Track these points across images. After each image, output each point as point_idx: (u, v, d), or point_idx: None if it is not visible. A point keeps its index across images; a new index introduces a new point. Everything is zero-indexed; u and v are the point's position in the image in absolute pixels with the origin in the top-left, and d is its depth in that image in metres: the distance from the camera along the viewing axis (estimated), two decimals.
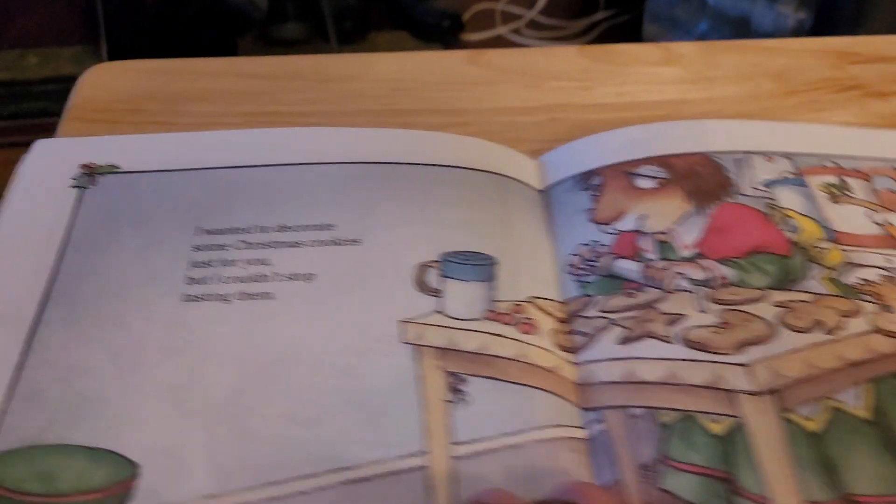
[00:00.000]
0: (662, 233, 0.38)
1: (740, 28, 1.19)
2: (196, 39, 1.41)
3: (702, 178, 0.40)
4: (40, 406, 0.32)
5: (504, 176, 0.41)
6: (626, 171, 0.40)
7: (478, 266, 0.36)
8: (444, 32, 1.57)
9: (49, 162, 0.41)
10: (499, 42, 1.61)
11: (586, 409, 0.33)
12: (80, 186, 0.40)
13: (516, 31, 1.62)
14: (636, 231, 0.38)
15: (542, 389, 0.33)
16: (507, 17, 1.63)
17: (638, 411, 0.32)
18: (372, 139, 0.42)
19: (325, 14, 1.43)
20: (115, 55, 1.41)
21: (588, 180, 0.41)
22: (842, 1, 1.03)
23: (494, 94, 0.47)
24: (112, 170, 0.41)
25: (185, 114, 0.45)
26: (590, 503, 0.26)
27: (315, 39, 1.55)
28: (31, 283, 0.36)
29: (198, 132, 0.43)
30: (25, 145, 0.42)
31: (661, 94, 0.48)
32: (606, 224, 0.39)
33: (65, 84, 0.50)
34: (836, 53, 0.50)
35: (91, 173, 0.41)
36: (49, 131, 0.45)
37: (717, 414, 0.31)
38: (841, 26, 1.08)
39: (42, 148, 0.42)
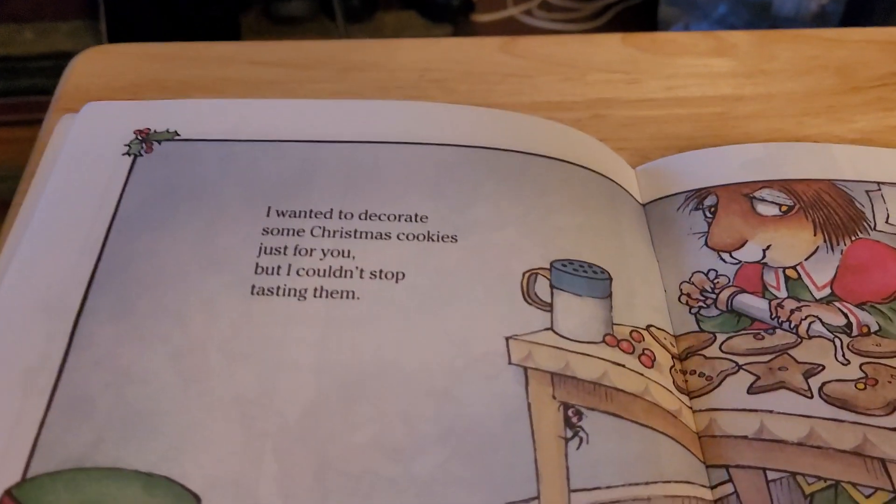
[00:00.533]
0: (791, 268, 0.34)
1: (760, 12, 1.16)
2: (198, 15, 1.34)
3: (831, 209, 0.36)
4: (87, 418, 0.27)
5: (614, 182, 0.36)
6: (744, 193, 0.36)
7: (593, 280, 0.32)
8: (453, 13, 1.52)
9: (99, 126, 0.36)
10: (510, 23, 1.56)
11: (712, 466, 0.28)
12: (132, 153, 0.35)
13: (528, 13, 1.58)
14: (761, 263, 0.34)
15: (667, 435, 0.28)
16: None
17: (775, 475, 0.28)
18: (475, 119, 0.37)
19: None
20: (114, 30, 1.35)
21: (701, 199, 0.36)
22: None
23: (531, 86, 0.43)
24: (170, 136, 0.35)
25: None
26: None
27: (320, 17, 1.49)
28: (77, 264, 0.31)
29: (271, 100, 0.37)
30: (20, 123, 0.37)
31: (714, 88, 0.44)
32: (725, 251, 0.34)
33: (61, 60, 0.45)
34: None
35: (147, 139, 0.35)
36: (45, 110, 0.39)
37: (869, 486, 0.27)
38: (877, 14, 1.05)
39: (92, 111, 0.36)
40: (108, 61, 0.42)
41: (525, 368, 0.29)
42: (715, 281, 0.33)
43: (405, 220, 0.33)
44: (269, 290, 0.30)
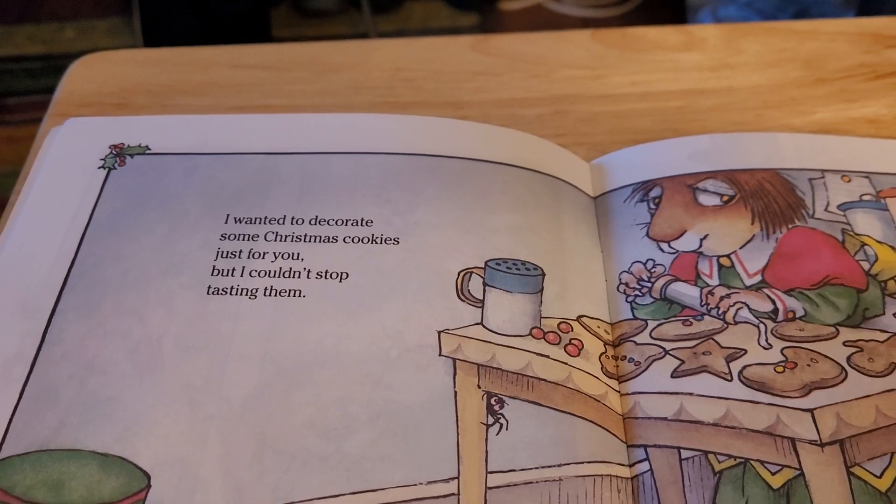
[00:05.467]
0: (725, 256, 0.35)
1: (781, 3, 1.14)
2: (229, 10, 1.39)
3: (771, 198, 0.37)
4: (53, 406, 0.30)
5: (557, 178, 0.38)
6: (688, 184, 0.38)
7: (524, 276, 0.33)
8: (480, 1, 1.52)
9: (79, 140, 0.39)
10: (537, 11, 1.57)
11: (632, 446, 0.30)
12: (107, 167, 0.38)
13: (556, 0, 1.58)
14: (696, 252, 0.35)
15: (587, 420, 0.30)
16: None
17: (689, 453, 0.29)
18: (417, 128, 0.39)
19: None
20: (147, 26, 1.40)
21: (647, 191, 0.38)
22: None
23: (498, 84, 0.44)
24: (142, 150, 0.39)
25: (174, 107, 0.43)
26: None
27: (349, 10, 1.52)
28: (52, 268, 0.34)
29: (233, 115, 0.40)
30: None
31: (677, 83, 0.45)
32: (664, 241, 0.36)
33: None
34: (873, 36, 0.46)
35: (120, 154, 0.38)
36: None
37: (776, 464, 0.29)
38: (889, 3, 1.03)
39: (73, 125, 0.40)
40: (102, 67, 0.45)
41: (454, 360, 0.31)
42: (652, 270, 0.35)
43: (352, 225, 0.35)
44: (223, 290, 0.33)
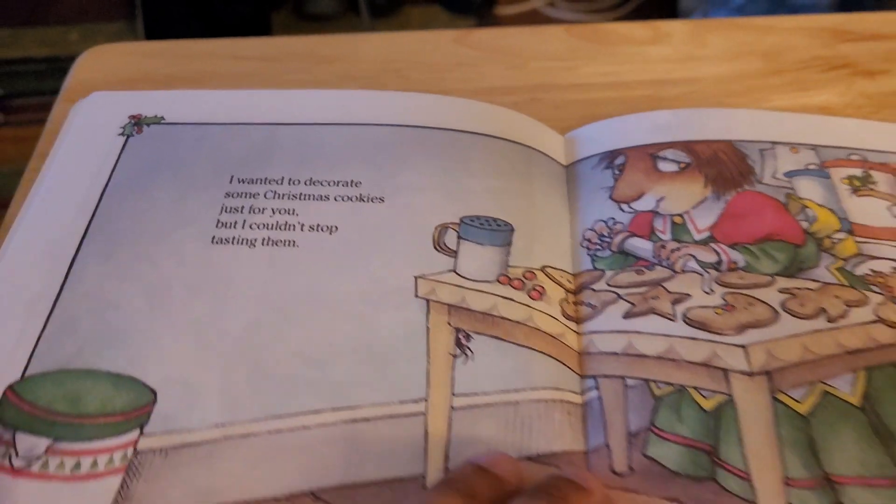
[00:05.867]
0: (678, 215, 0.39)
1: (777, 1, 1.17)
2: (231, 15, 1.44)
3: (723, 166, 0.40)
4: (73, 334, 0.34)
5: (532, 149, 0.42)
6: (650, 153, 0.41)
7: (494, 231, 0.37)
8: (477, 6, 1.56)
9: (102, 111, 0.44)
10: (533, 16, 1.60)
11: (585, 377, 0.34)
12: (126, 134, 0.42)
13: (551, 5, 1.61)
14: (653, 212, 0.39)
15: (544, 353, 0.34)
16: None
17: (633, 382, 0.33)
18: (405, 103, 0.43)
19: None
20: (151, 30, 1.45)
21: (612, 160, 0.42)
22: None
23: (478, 74, 0.48)
24: (157, 120, 0.43)
25: None
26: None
27: (348, 14, 1.56)
28: (75, 219, 0.38)
29: (240, 90, 0.45)
30: None
31: (644, 73, 0.48)
32: (625, 203, 0.40)
33: None
34: (829, 32, 0.50)
35: (138, 123, 0.43)
36: None
37: (709, 390, 0.32)
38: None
39: (96, 98, 0.44)
40: (109, 58, 0.49)
41: (428, 301, 0.35)
42: (612, 227, 0.39)
43: (342, 185, 0.39)
44: (226, 239, 0.37)
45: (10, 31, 1.53)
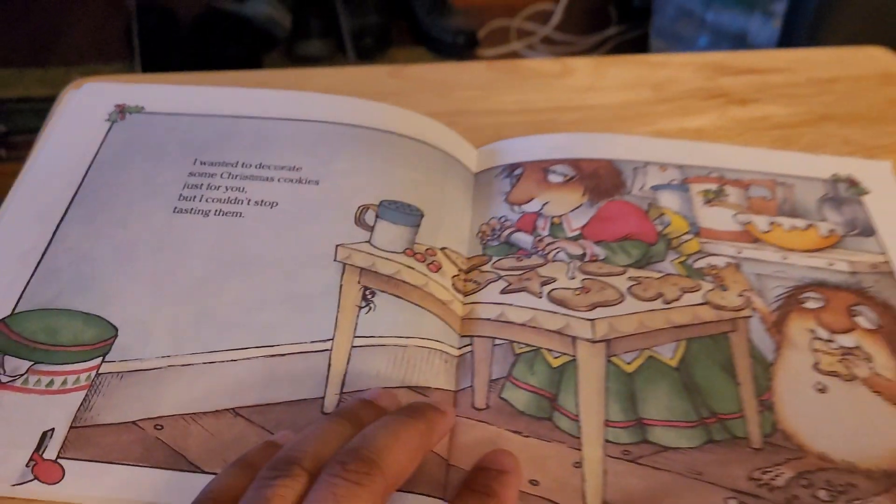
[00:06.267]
0: (558, 217, 0.47)
1: (738, 41, 1.27)
2: (224, 56, 1.51)
3: (601, 180, 0.49)
4: (54, 281, 0.42)
5: (449, 155, 0.50)
6: (543, 167, 0.50)
7: (407, 214, 0.46)
8: (459, 48, 1.65)
9: (91, 99, 0.52)
10: (513, 57, 1.70)
11: (463, 336, 0.42)
12: (111, 120, 0.51)
13: (530, 47, 1.71)
14: (538, 213, 0.47)
15: (433, 313, 0.42)
16: (522, 34, 1.72)
17: (500, 342, 0.41)
18: (347, 105, 0.51)
19: (342, 32, 1.52)
20: (148, 71, 1.52)
21: (512, 170, 0.50)
22: (801, 17, 1.11)
23: (408, 102, 0.54)
24: (138, 110, 0.51)
25: None
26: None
27: (336, 56, 1.64)
28: (64, 189, 0.46)
29: (208, 87, 0.53)
30: None
31: (549, 101, 0.56)
32: (517, 205, 0.48)
33: None
34: (712, 67, 0.59)
35: (122, 111, 0.51)
36: None
37: (559, 352, 0.41)
38: (798, 39, 1.15)
39: (88, 88, 0.53)
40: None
41: (344, 264, 0.43)
42: (503, 223, 0.47)
43: (286, 170, 0.48)
44: (185, 210, 0.46)
45: (14, 72, 1.59)
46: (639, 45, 1.63)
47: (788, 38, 1.13)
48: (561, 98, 0.57)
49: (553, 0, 1.76)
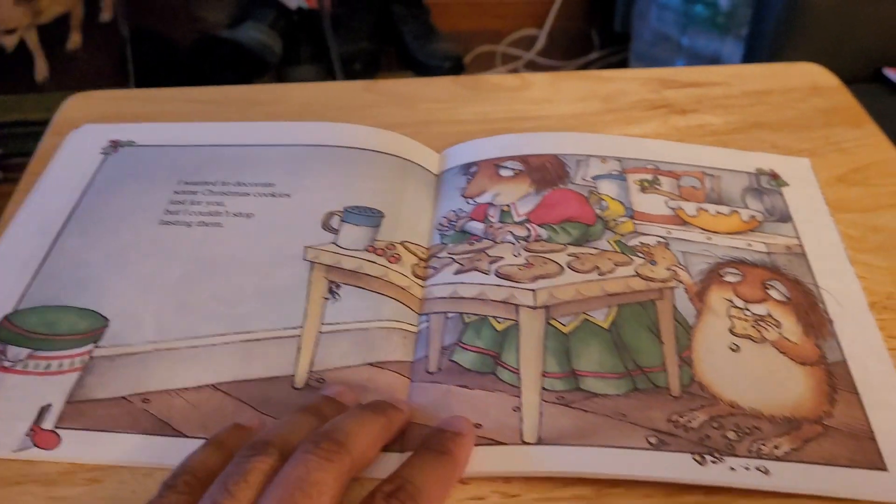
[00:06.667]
0: (506, 205, 0.52)
1: (712, 64, 1.33)
2: (217, 82, 1.59)
3: (547, 172, 0.54)
4: (53, 283, 0.48)
5: (409, 161, 0.55)
6: (495, 163, 0.55)
7: (368, 216, 0.51)
8: (445, 73, 1.72)
9: (87, 137, 0.58)
10: None
11: (420, 314, 0.46)
12: (106, 153, 0.57)
13: (514, 71, 1.78)
14: (489, 203, 0.52)
15: (393, 298, 0.47)
16: (507, 59, 1.79)
17: (452, 315, 0.46)
18: (312, 129, 0.57)
19: (332, 58, 1.60)
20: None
21: (468, 168, 0.55)
22: (761, 40, 1.15)
23: (379, 114, 0.60)
24: (130, 144, 0.57)
25: None
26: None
27: (327, 80, 1.72)
28: (63, 208, 0.52)
29: (193, 122, 0.59)
30: None
31: (508, 112, 0.61)
32: (471, 198, 0.53)
33: None
34: (657, 81, 0.64)
35: (115, 145, 0.57)
36: None
37: (503, 318, 0.45)
38: (760, 60, 1.20)
39: (86, 128, 0.59)
40: (89, 102, 0.63)
41: (312, 263, 0.48)
42: (459, 215, 0.52)
43: (261, 186, 0.53)
44: (171, 222, 0.51)
45: (13, 97, 1.66)
46: (620, 68, 1.69)
47: (752, 59, 1.18)
48: (519, 109, 0.62)
49: (537, 26, 1.84)
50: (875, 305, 0.46)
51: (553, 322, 0.45)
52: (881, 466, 0.38)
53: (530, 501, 0.38)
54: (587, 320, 0.45)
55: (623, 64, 1.63)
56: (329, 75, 1.72)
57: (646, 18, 1.56)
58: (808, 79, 0.64)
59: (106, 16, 1.67)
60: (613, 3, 1.74)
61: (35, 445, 0.40)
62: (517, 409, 0.41)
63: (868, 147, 0.57)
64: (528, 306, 0.45)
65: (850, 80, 0.66)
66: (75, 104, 0.63)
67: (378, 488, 0.35)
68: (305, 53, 1.71)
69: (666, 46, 1.47)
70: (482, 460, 0.39)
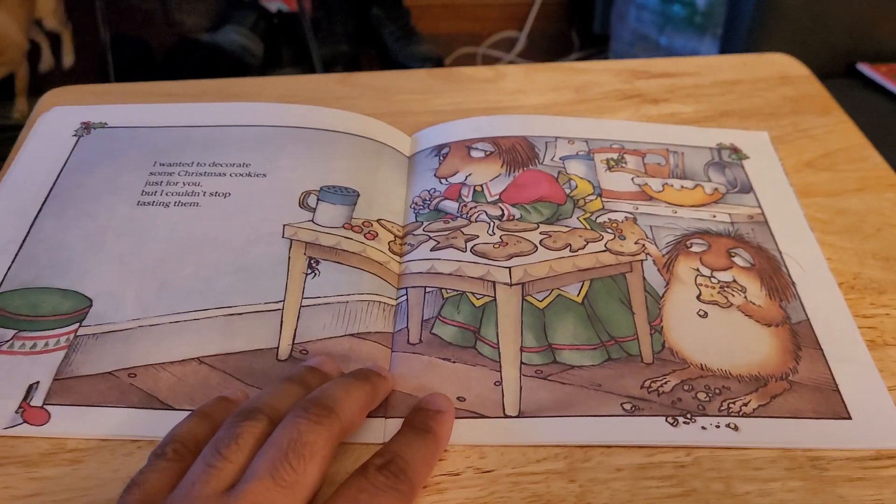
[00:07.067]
0: (479, 185, 0.54)
1: None
2: None
3: (517, 153, 0.56)
4: (33, 265, 0.48)
5: (382, 143, 0.57)
6: (467, 145, 0.56)
7: (343, 195, 0.52)
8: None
9: (59, 119, 0.58)
10: None
11: (399, 289, 0.48)
12: (78, 135, 0.57)
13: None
14: (462, 184, 0.54)
15: (371, 273, 0.48)
16: (488, 60, 1.81)
17: (431, 289, 0.47)
18: (286, 111, 0.58)
19: (313, 61, 1.61)
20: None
21: (440, 150, 0.56)
22: (736, 38, 1.19)
23: (354, 105, 0.60)
24: (102, 125, 0.57)
25: None
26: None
27: None
28: (38, 190, 0.52)
29: (163, 104, 0.59)
30: None
31: (482, 103, 0.62)
32: (444, 178, 0.54)
33: None
34: (629, 72, 0.66)
35: (87, 127, 0.57)
36: None
37: (481, 294, 0.47)
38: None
39: (56, 111, 0.59)
40: (67, 96, 0.62)
41: (291, 240, 0.49)
42: (432, 194, 0.53)
43: (236, 166, 0.54)
44: (148, 203, 0.51)
45: None
46: None
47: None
48: (492, 100, 0.63)
49: (517, 28, 1.86)
50: (842, 285, 0.48)
51: (529, 298, 0.46)
52: (846, 416, 0.41)
53: (504, 476, 0.39)
54: (561, 295, 0.47)
55: None
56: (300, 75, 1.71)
57: (624, 19, 1.59)
58: (777, 68, 0.67)
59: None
60: (592, 5, 1.77)
61: (25, 422, 0.40)
62: (498, 383, 0.43)
63: (835, 133, 0.60)
64: (505, 283, 0.47)
65: (824, 75, 0.69)
66: (52, 99, 0.62)
67: (370, 461, 0.36)
68: (286, 56, 1.71)
69: (645, 46, 1.50)
70: (467, 433, 0.40)
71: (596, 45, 1.79)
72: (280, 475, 0.33)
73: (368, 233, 0.50)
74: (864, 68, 1.18)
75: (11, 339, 0.44)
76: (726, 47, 1.22)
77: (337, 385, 0.39)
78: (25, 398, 0.41)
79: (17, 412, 0.41)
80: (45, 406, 0.41)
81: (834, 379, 0.43)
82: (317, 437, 0.35)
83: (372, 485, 0.35)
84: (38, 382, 0.42)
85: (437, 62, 1.75)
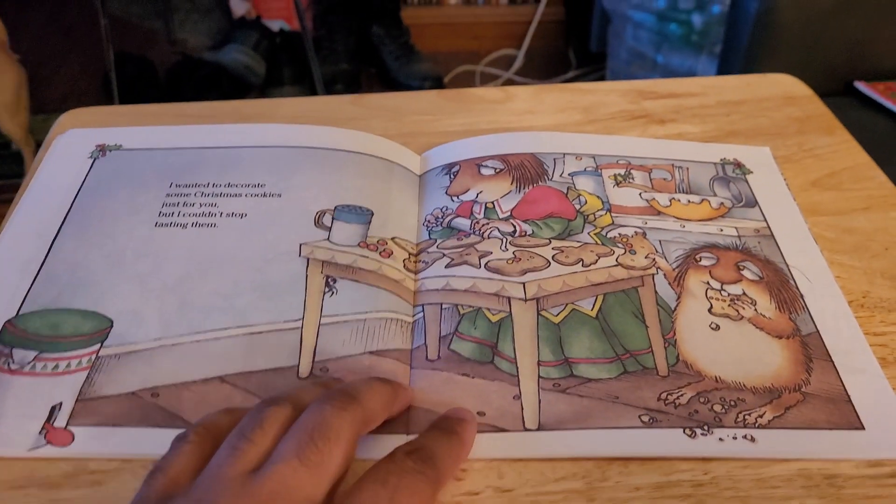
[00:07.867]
0: (490, 202, 0.54)
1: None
2: (201, 100, 1.60)
3: (526, 170, 0.56)
4: (53, 285, 0.48)
5: (393, 162, 0.57)
6: (476, 163, 0.57)
7: (358, 214, 0.53)
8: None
9: (75, 141, 0.59)
10: None
11: (415, 306, 0.49)
12: (93, 157, 0.57)
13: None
14: (473, 201, 0.55)
15: (388, 290, 0.49)
16: (486, 78, 1.83)
17: (447, 306, 0.48)
18: (300, 132, 0.59)
19: (314, 79, 1.62)
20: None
21: (450, 168, 0.57)
22: (735, 56, 1.21)
23: (366, 126, 0.61)
24: (117, 147, 0.58)
25: None
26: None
27: None
28: (57, 211, 0.53)
29: (177, 126, 0.60)
30: None
31: (492, 124, 0.63)
32: (455, 196, 0.55)
33: None
34: (636, 92, 0.67)
35: (103, 149, 0.58)
36: None
37: (496, 310, 0.47)
38: (733, 74, 1.25)
39: (71, 133, 0.60)
40: (83, 117, 0.63)
41: (308, 259, 0.50)
42: (445, 212, 0.54)
43: (251, 186, 0.55)
44: (165, 224, 0.52)
45: None
46: None
47: (726, 75, 1.24)
48: (502, 120, 0.64)
49: (515, 46, 1.87)
50: (852, 304, 0.49)
51: (544, 313, 0.47)
52: (859, 426, 0.42)
53: (523, 495, 0.39)
54: (575, 310, 0.47)
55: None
56: (312, 95, 1.73)
57: (621, 37, 1.60)
58: (781, 89, 0.68)
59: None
60: (589, 23, 1.79)
61: (49, 443, 0.41)
62: (517, 397, 0.43)
63: (840, 153, 0.61)
64: (519, 299, 0.47)
65: (821, 93, 0.70)
66: (68, 120, 0.63)
67: (398, 448, 0.37)
68: (288, 75, 1.72)
69: (642, 64, 1.51)
70: (488, 447, 0.41)
71: (592, 63, 1.81)
72: (306, 456, 0.34)
73: (384, 251, 0.51)
74: (862, 86, 1.19)
75: (33, 360, 0.44)
76: (725, 66, 1.24)
77: (359, 380, 0.41)
78: (49, 419, 0.42)
79: (40, 433, 0.41)
80: (68, 427, 0.41)
81: (846, 389, 0.43)
82: (342, 421, 0.36)
83: (400, 468, 0.35)
84: (60, 403, 0.42)
85: (437, 80, 1.77)
